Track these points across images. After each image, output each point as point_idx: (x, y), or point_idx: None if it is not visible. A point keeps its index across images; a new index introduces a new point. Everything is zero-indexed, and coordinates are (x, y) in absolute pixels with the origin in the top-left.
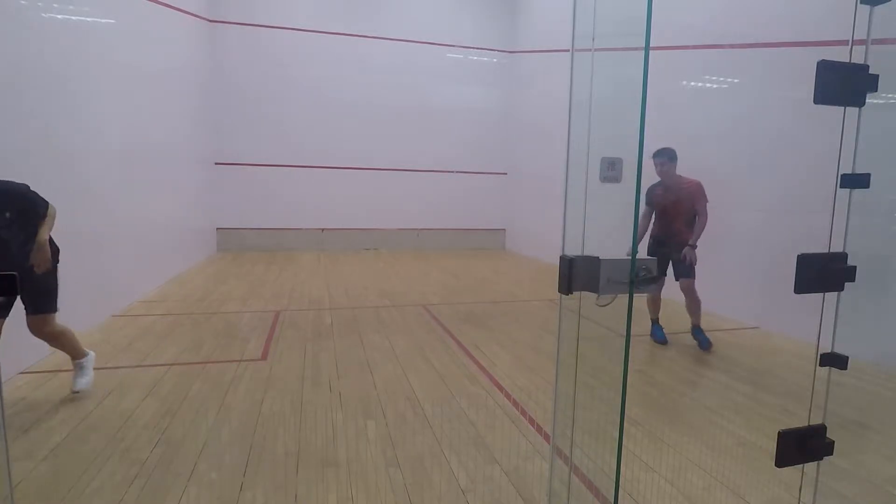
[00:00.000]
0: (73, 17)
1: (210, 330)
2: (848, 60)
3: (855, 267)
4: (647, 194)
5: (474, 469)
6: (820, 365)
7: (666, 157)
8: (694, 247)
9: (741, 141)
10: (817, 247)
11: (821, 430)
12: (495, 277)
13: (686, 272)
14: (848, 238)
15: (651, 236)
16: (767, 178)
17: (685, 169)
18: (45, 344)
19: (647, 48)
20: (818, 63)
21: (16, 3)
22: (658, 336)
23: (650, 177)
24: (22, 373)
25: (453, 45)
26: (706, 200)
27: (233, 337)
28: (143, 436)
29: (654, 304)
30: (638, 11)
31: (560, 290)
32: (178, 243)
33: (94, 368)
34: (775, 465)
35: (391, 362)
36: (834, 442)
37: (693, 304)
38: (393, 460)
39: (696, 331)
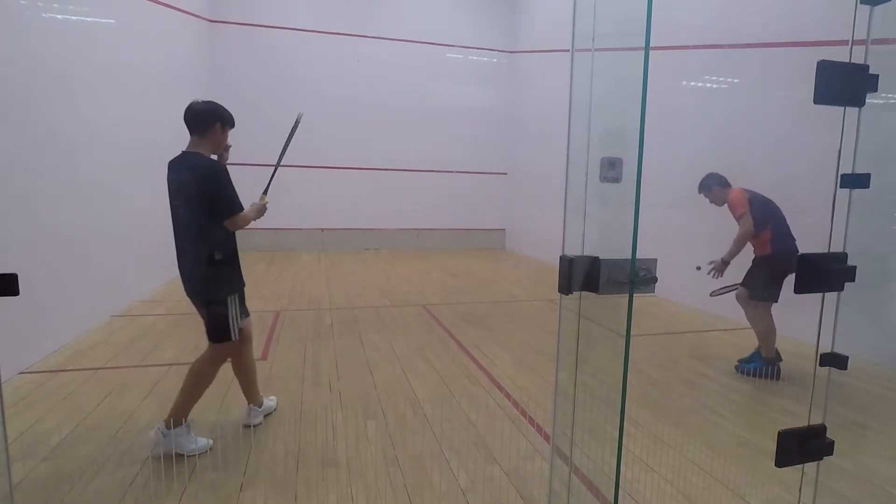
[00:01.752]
0: (73, 17)
1: None
2: (848, 60)
3: (855, 267)
4: None
5: (474, 469)
6: (820, 365)
7: (703, 189)
8: (723, 261)
9: (741, 141)
10: (817, 247)
11: (821, 430)
12: (495, 277)
13: (742, 284)
14: (848, 238)
15: None
16: (767, 179)
17: (683, 168)
18: (45, 344)
19: (647, 48)
20: (818, 63)
21: (16, 3)
22: (743, 368)
23: (650, 177)
24: (22, 373)
25: (453, 45)
26: (740, 210)
27: None
28: (143, 436)
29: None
30: (638, 11)
31: (560, 290)
32: None
33: (95, 368)
34: (775, 465)
35: (391, 362)
36: (834, 442)
37: (752, 327)
38: (393, 460)
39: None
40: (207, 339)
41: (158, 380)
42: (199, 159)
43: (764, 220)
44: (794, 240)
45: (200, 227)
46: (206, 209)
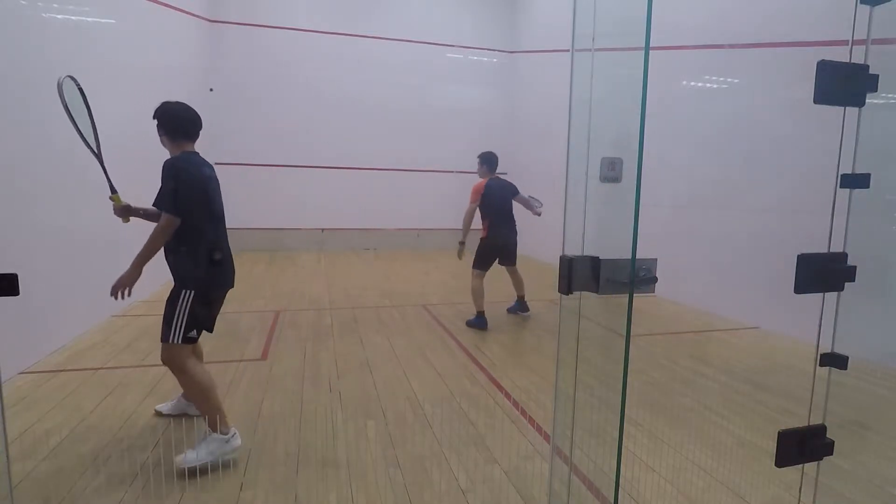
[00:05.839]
0: (73, 17)
1: None
2: (848, 60)
3: (855, 267)
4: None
5: (474, 469)
6: (820, 365)
7: (481, 159)
8: (460, 242)
9: (741, 141)
10: (817, 247)
11: (821, 430)
12: (495, 277)
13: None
14: (848, 238)
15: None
16: (767, 178)
17: (683, 168)
18: (45, 344)
19: (647, 48)
20: (818, 63)
21: (16, 3)
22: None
23: (651, 177)
24: (22, 373)
25: (453, 45)
26: (471, 199)
27: (233, 337)
28: (143, 436)
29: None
30: (638, 11)
31: (560, 290)
32: None
33: (95, 368)
34: (775, 465)
35: (391, 362)
36: (834, 442)
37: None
38: (393, 460)
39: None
40: (208, 332)
41: (158, 380)
42: None
43: (490, 212)
44: (511, 231)
45: None
46: None
